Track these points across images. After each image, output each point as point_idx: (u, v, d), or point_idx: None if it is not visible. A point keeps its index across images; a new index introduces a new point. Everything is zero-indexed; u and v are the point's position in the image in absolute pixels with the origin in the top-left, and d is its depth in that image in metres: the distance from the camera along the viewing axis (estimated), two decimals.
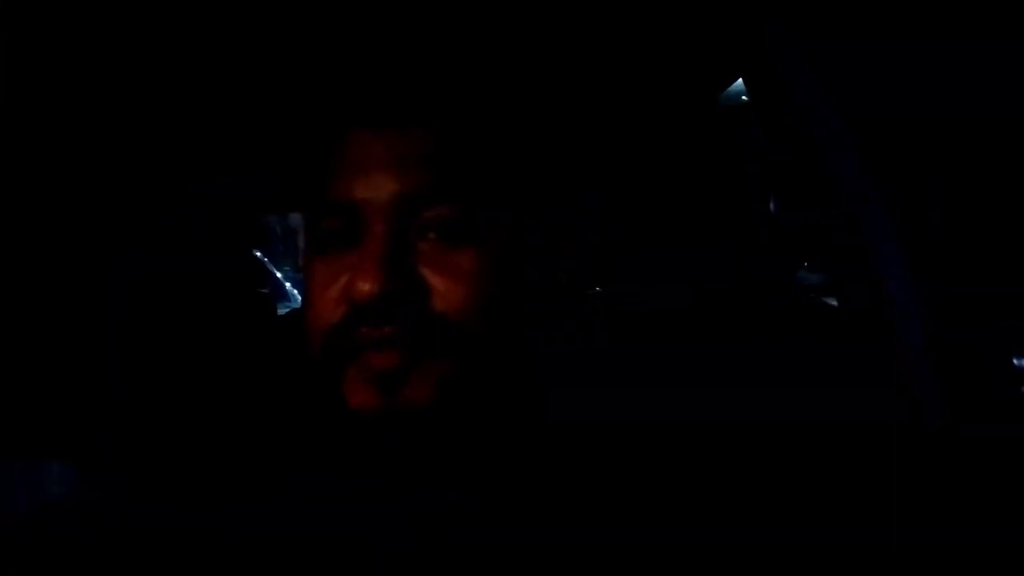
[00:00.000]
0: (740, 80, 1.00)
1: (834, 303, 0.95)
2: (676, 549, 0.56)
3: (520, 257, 0.60)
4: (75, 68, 0.86)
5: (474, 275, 0.56)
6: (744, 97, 1.07)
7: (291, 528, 0.56)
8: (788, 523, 0.58)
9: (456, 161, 0.57)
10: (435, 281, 0.55)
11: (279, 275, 5.75)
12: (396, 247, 0.55)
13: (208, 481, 0.59)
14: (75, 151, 1.04)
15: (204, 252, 1.26)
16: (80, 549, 0.58)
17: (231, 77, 0.89)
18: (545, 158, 0.65)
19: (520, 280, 0.60)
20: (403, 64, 0.72)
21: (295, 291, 5.57)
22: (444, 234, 0.56)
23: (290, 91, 0.89)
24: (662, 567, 0.56)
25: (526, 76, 0.88)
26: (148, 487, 0.60)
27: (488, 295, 0.56)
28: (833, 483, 0.63)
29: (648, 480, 0.59)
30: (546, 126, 0.70)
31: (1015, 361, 0.74)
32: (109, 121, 1.00)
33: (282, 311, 1.90)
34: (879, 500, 0.62)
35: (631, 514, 0.57)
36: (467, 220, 0.56)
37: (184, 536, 0.57)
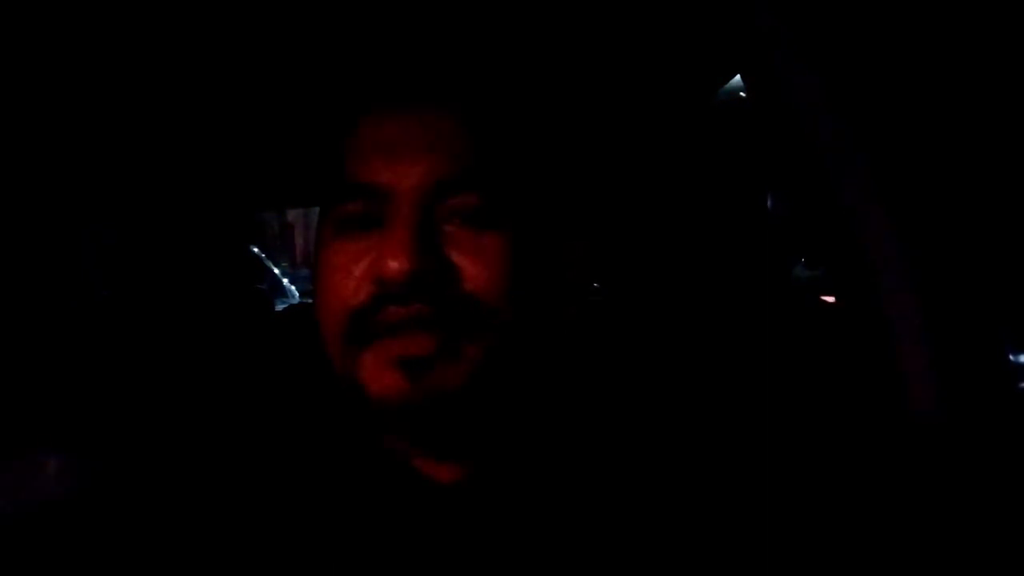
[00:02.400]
0: (738, 76, 1.00)
1: (833, 302, 0.95)
2: (676, 547, 0.57)
3: (546, 246, 0.59)
4: (72, 61, 0.85)
5: (501, 259, 0.55)
6: (742, 93, 1.07)
7: (291, 527, 0.56)
8: (788, 522, 0.59)
9: (482, 149, 0.57)
10: (463, 263, 0.55)
11: (276, 271, 5.75)
12: (424, 228, 0.54)
13: (208, 479, 0.59)
14: (75, 151, 1.04)
15: (202, 249, 1.26)
16: (80, 549, 0.58)
17: (237, 58, 0.86)
18: (552, 152, 0.65)
19: (549, 269, 0.59)
20: (415, 42, 0.71)
21: (292, 287, 5.58)
22: (470, 219, 0.55)
23: (307, 68, 0.86)
24: (665, 564, 0.56)
25: (524, 68, 0.88)
26: (147, 486, 0.60)
27: (515, 280, 0.56)
28: (832, 482, 0.63)
29: (651, 479, 0.59)
30: (547, 121, 0.70)
31: (1014, 359, 0.74)
32: (108, 119, 1.00)
33: (279, 307, 1.89)
34: (878, 500, 0.62)
35: (634, 513, 0.58)
36: (492, 207, 0.56)
37: (184, 536, 0.57)
